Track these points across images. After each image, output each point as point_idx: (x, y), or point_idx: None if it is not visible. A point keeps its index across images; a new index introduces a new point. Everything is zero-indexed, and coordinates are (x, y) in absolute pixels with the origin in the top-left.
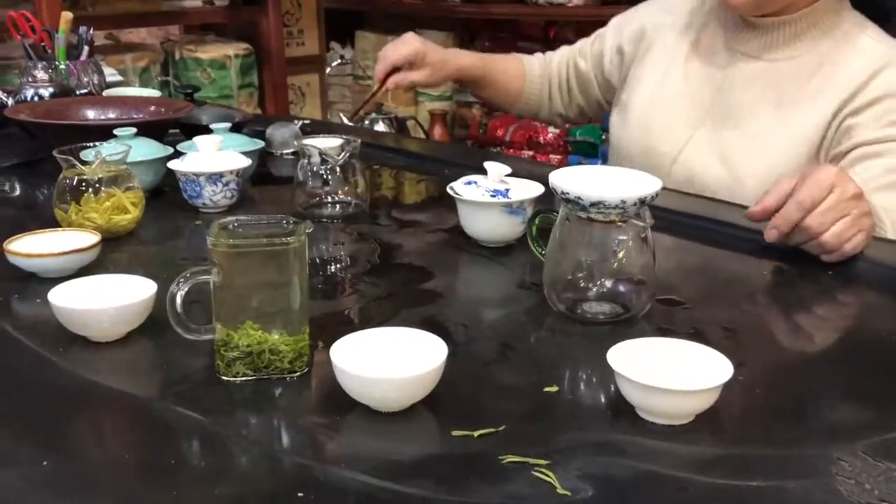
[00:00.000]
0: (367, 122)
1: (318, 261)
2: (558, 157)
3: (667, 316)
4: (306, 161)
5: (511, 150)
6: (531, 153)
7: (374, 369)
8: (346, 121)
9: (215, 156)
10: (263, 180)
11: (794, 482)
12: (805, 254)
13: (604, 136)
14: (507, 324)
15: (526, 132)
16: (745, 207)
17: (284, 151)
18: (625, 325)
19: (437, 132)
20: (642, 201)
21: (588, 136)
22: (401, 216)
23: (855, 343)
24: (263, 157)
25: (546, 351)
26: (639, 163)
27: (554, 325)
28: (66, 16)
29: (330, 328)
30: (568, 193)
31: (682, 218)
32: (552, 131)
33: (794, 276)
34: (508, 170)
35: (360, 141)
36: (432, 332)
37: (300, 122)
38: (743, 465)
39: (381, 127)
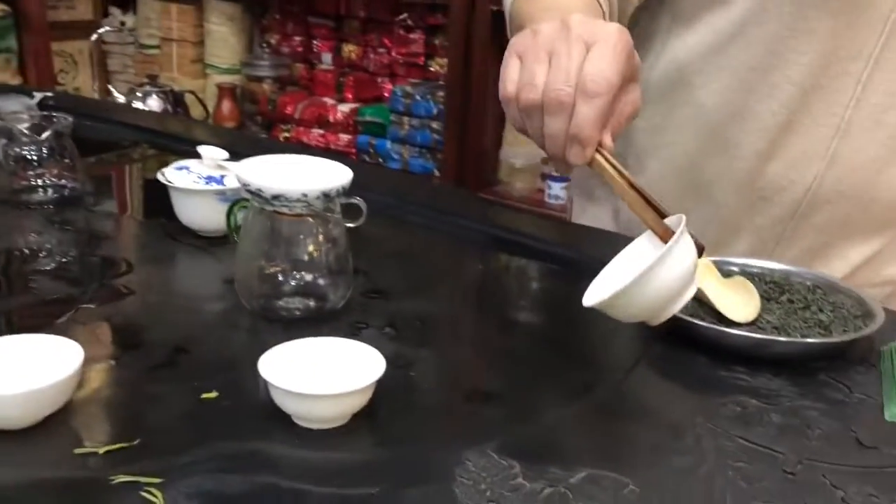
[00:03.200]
0: (138, 94)
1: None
2: (348, 136)
3: (364, 308)
4: (5, 141)
5: (301, 128)
6: (321, 132)
7: None
8: (119, 97)
9: None
10: None
11: (416, 488)
12: (522, 248)
13: (393, 118)
14: (192, 324)
15: (316, 110)
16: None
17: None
18: (320, 321)
19: (226, 108)
20: (327, 195)
21: (377, 117)
22: (121, 201)
23: (540, 338)
24: None
25: (224, 353)
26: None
27: (245, 324)
28: None
29: None
30: (249, 185)
31: (398, 203)
32: (341, 110)
33: (503, 269)
34: (225, 154)
35: (70, 119)
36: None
37: (41, 96)
38: (375, 470)
39: (154, 102)
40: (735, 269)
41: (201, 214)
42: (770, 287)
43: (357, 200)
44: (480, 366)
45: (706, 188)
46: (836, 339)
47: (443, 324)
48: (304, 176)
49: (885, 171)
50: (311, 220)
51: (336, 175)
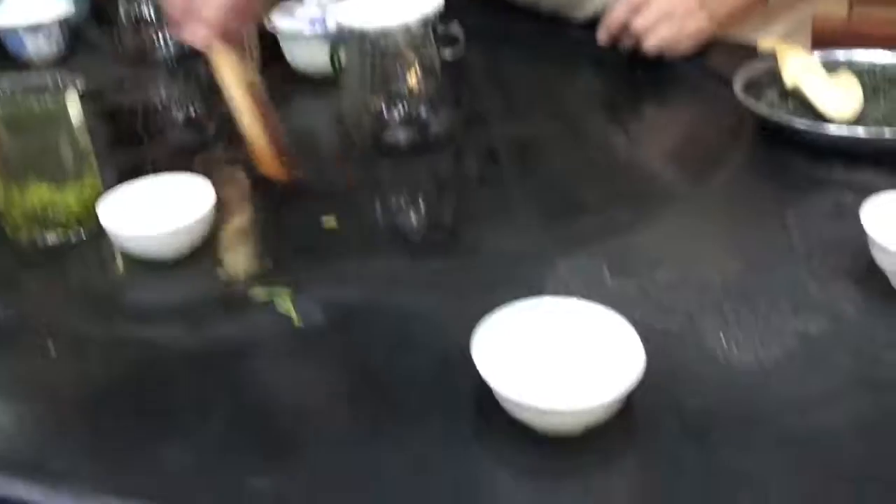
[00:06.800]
0: None
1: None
2: None
3: (465, 134)
4: (126, 2)
5: None
6: None
7: (141, 227)
8: None
9: (34, 3)
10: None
11: (507, 290)
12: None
13: None
14: (310, 160)
15: None
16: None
17: None
18: (423, 149)
19: None
20: (426, 24)
21: None
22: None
23: (639, 150)
24: None
25: (342, 184)
26: None
27: (356, 156)
28: None
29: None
30: (348, 25)
31: (486, 26)
32: None
33: (600, 86)
34: None
35: None
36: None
37: None
38: (473, 281)
39: None
40: (842, 62)
41: (307, 57)
42: (881, 80)
43: (453, 27)
44: (576, 182)
45: None
46: None
47: (541, 145)
48: (397, 9)
49: None
50: (410, 52)
51: (426, 2)
